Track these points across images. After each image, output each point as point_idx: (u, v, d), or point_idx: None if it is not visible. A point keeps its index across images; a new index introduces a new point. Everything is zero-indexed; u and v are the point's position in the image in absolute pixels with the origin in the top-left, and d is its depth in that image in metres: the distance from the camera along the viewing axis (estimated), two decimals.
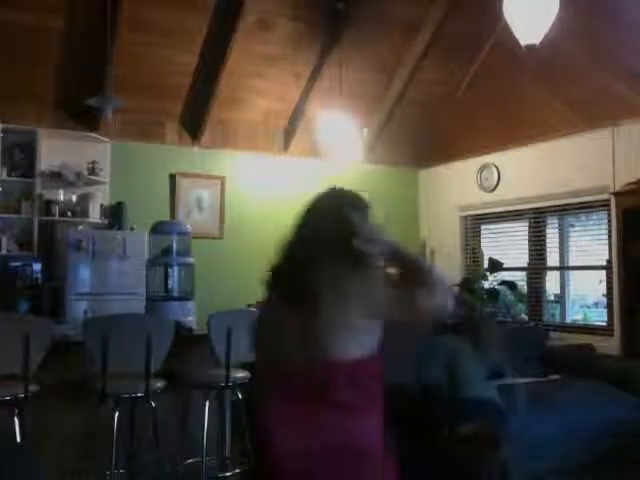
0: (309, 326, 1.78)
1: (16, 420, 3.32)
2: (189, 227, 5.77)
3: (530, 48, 3.77)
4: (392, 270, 1.96)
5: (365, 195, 2.04)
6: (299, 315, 1.81)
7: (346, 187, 2.07)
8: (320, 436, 1.76)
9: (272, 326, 1.91)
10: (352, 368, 1.78)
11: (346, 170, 7.28)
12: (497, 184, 6.96)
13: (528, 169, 6.56)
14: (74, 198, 6.14)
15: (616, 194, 5.52)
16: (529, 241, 6.74)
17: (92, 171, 6.16)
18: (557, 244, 6.51)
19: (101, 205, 6.20)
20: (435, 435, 2.78)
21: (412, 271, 1.89)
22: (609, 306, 5.82)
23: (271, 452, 1.82)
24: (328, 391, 1.76)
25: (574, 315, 6.45)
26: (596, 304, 6.30)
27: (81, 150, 6.16)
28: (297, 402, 1.79)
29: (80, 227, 5.99)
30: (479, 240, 7.38)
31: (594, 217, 6.27)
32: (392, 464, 1.86)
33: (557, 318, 6.50)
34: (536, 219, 6.66)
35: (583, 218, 6.50)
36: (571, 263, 6.43)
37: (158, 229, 5.57)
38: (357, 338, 1.80)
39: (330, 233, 1.87)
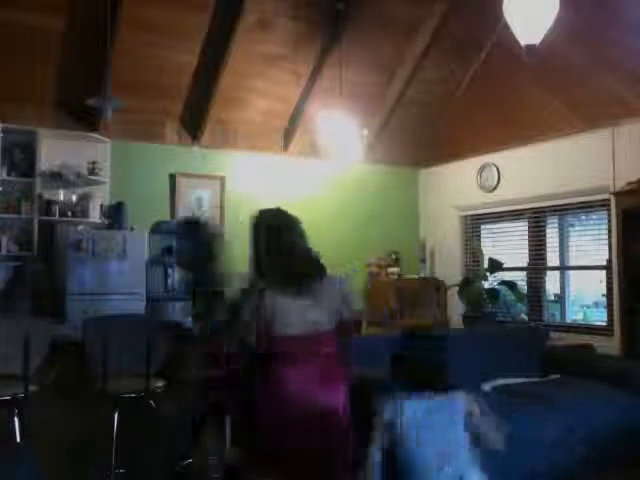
0: (305, 308, 2.78)
1: (16, 420, 3.33)
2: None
3: (530, 48, 3.77)
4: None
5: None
6: (296, 300, 2.78)
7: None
8: (320, 367, 2.76)
9: (276, 304, 2.77)
10: (330, 334, 2.83)
11: (346, 170, 7.29)
12: (497, 184, 6.96)
13: (528, 169, 6.56)
14: (74, 198, 6.14)
15: (616, 194, 5.52)
16: (529, 241, 6.74)
17: (92, 171, 6.15)
18: (557, 244, 6.51)
19: (101, 205, 6.19)
20: None
21: None
22: (609, 306, 5.82)
23: (284, 381, 2.73)
24: (320, 346, 2.78)
25: (574, 315, 6.45)
26: (596, 304, 6.30)
27: (81, 150, 6.15)
28: (301, 352, 2.74)
29: (80, 227, 5.99)
30: (479, 240, 7.38)
31: (594, 217, 6.27)
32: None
33: (557, 318, 6.50)
34: (536, 219, 6.66)
35: (583, 218, 6.50)
36: (571, 263, 6.43)
37: (158, 229, 5.58)
38: (331, 317, 2.84)
39: (301, 243, 3.07)
